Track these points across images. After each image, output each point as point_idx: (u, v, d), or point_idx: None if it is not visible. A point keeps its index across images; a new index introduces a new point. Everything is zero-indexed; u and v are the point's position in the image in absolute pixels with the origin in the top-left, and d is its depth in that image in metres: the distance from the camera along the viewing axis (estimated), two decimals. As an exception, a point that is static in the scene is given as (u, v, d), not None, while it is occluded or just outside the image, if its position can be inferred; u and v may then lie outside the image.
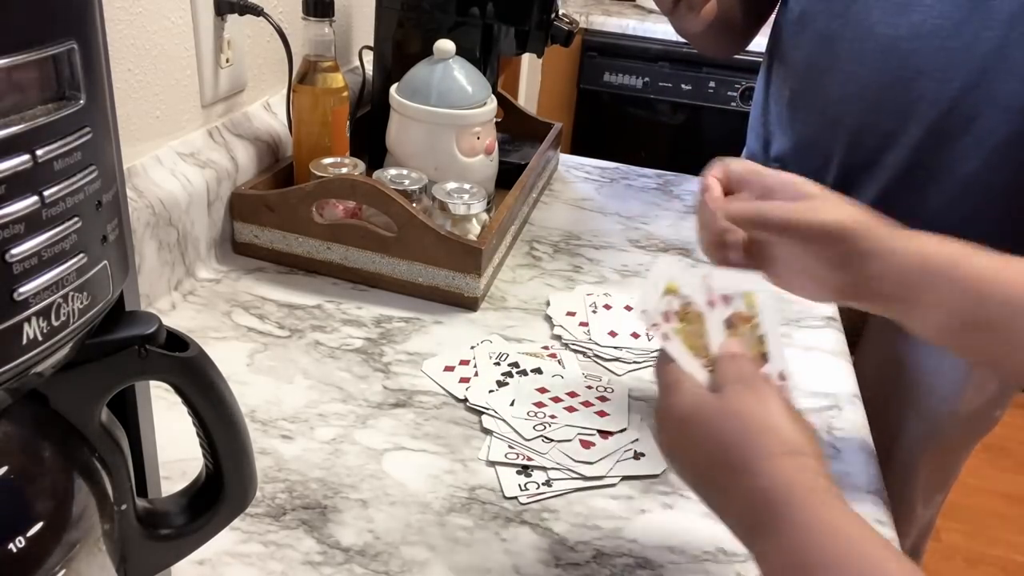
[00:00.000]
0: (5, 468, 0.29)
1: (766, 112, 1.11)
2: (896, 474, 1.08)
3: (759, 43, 1.15)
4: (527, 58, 2.10)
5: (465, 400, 0.66)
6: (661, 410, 0.47)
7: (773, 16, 1.10)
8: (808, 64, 1.00)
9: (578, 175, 1.15)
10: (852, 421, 0.69)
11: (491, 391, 0.67)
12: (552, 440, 0.62)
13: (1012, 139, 0.86)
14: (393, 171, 0.84)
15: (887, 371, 1.09)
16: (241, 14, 0.82)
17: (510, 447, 0.61)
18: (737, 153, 1.23)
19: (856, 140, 0.97)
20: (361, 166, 0.84)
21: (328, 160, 0.83)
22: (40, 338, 0.26)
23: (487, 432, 0.63)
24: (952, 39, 0.86)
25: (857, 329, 1.12)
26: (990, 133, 0.87)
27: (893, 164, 0.95)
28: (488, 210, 0.85)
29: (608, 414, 0.65)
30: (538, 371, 0.70)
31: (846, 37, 0.94)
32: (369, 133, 0.96)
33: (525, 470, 0.60)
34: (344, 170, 0.82)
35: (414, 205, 0.79)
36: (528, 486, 0.58)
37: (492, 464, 0.60)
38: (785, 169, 0.61)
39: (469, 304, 0.79)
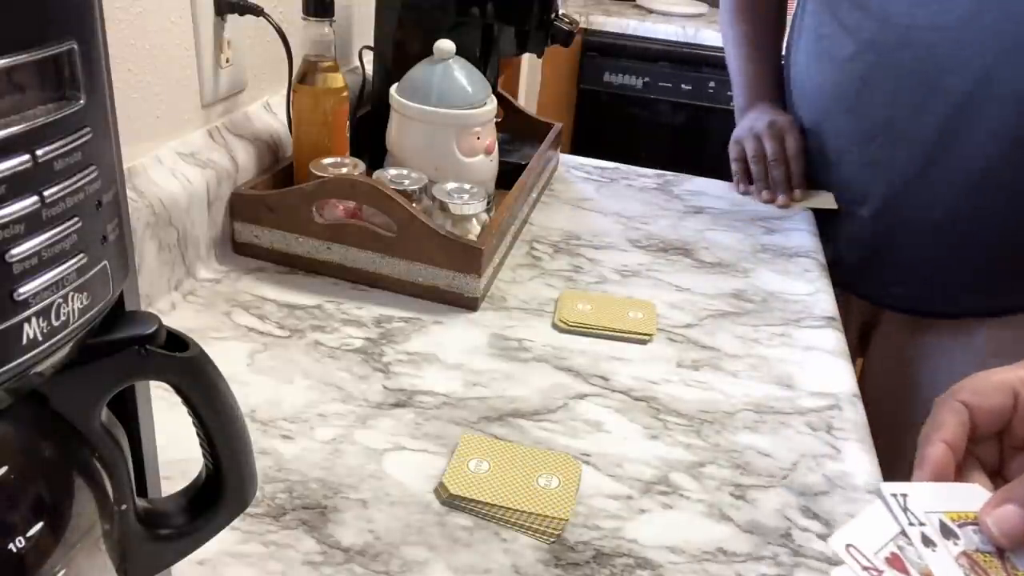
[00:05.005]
0: (5, 468, 0.29)
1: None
2: (908, 471, 1.08)
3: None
4: (527, 58, 2.10)
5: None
6: None
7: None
8: (828, 56, 1.00)
9: (578, 175, 1.15)
10: (852, 421, 0.69)
11: None
12: None
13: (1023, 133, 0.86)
14: (393, 171, 0.84)
15: (898, 369, 1.09)
16: (241, 14, 0.82)
17: None
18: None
19: (869, 134, 0.97)
20: (361, 166, 0.84)
21: (328, 160, 0.83)
22: (40, 338, 0.26)
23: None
24: (968, 31, 0.85)
25: (870, 325, 1.12)
26: (1002, 127, 0.87)
27: (905, 159, 0.94)
28: (488, 210, 0.85)
29: None
30: None
31: (866, 28, 0.94)
32: (369, 133, 0.96)
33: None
34: (344, 170, 0.83)
35: (414, 205, 0.79)
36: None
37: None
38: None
39: (469, 304, 0.79)
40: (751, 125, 1.10)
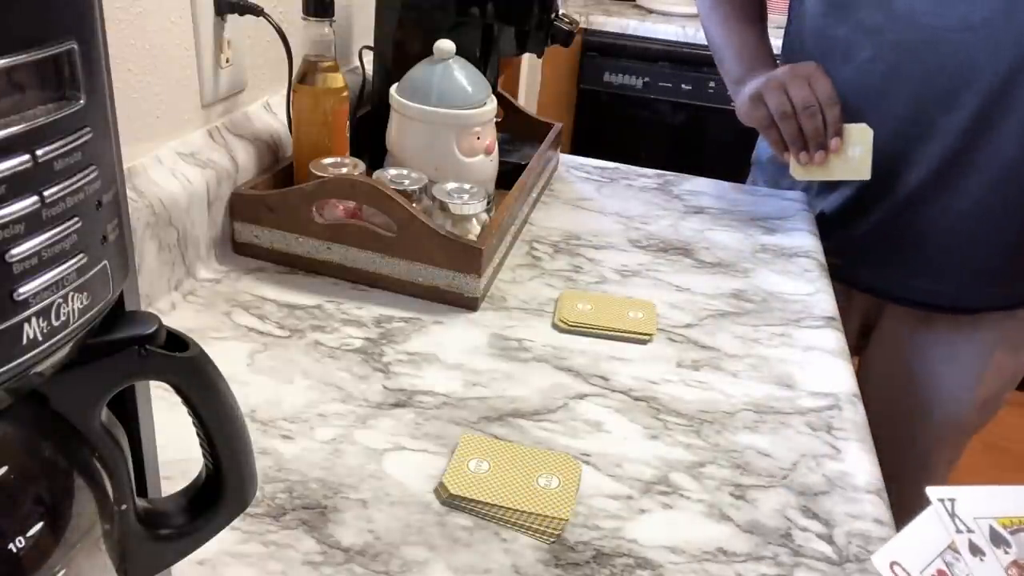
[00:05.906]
0: (5, 468, 0.29)
1: None
2: (916, 462, 1.08)
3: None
4: (527, 58, 2.10)
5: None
6: None
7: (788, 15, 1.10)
8: (841, 57, 0.99)
9: (578, 175, 1.15)
10: (852, 421, 0.69)
11: None
12: None
13: None
14: (393, 171, 0.84)
15: (900, 365, 1.09)
16: (241, 14, 0.82)
17: None
18: (739, 153, 1.23)
19: (896, 132, 0.96)
20: (361, 166, 0.84)
21: (328, 160, 0.83)
22: (40, 338, 0.26)
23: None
24: (1001, 28, 0.86)
25: (870, 323, 1.12)
26: None
27: (934, 155, 0.94)
28: (488, 210, 0.85)
29: None
30: None
31: (888, 28, 0.93)
32: (369, 133, 0.96)
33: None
34: (344, 170, 0.83)
35: (414, 205, 0.79)
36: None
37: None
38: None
39: (469, 304, 0.79)
40: (768, 76, 0.95)
